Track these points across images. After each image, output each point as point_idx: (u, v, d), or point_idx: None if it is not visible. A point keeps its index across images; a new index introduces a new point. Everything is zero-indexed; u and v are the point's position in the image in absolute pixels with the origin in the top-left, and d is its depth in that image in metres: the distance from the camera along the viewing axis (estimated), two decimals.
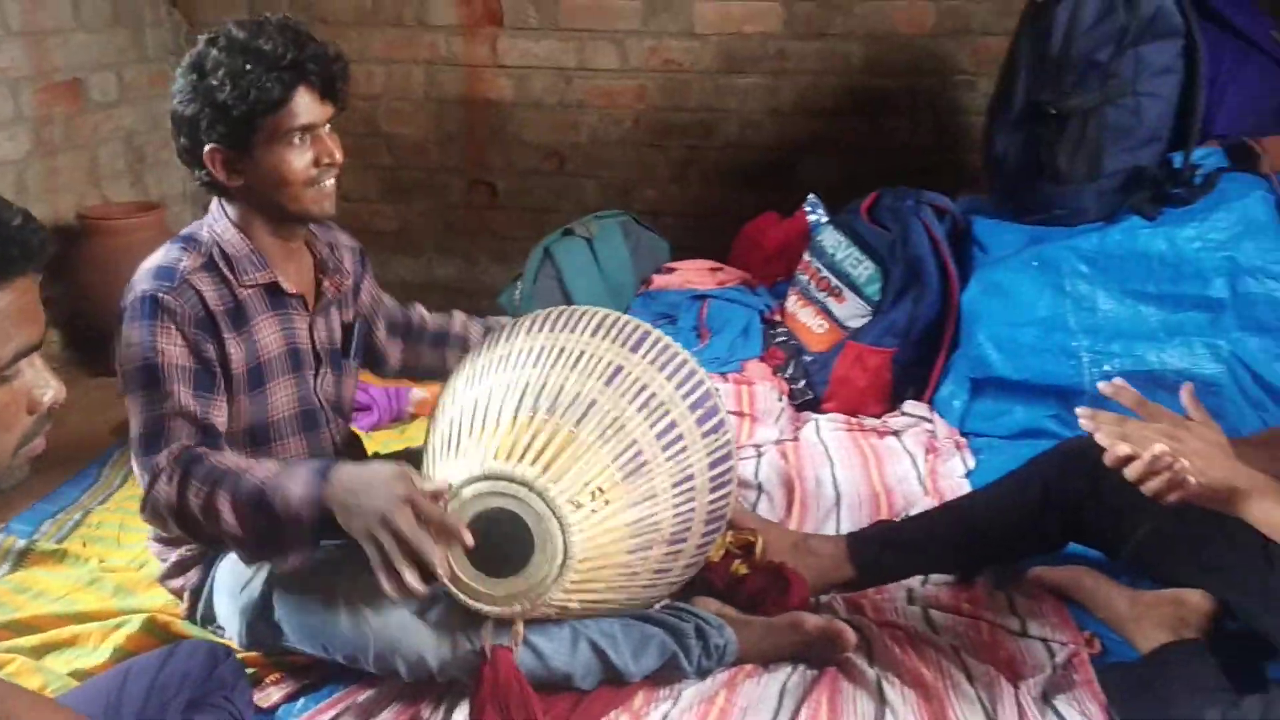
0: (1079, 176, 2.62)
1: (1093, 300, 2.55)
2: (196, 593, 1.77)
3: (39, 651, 1.73)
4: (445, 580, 1.49)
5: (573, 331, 1.73)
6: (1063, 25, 2.59)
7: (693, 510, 1.66)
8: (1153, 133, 2.62)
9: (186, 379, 1.60)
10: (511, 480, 1.50)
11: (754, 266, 3.11)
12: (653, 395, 1.67)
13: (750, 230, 3.19)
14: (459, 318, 2.05)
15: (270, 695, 1.67)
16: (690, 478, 1.66)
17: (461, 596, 1.52)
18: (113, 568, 2.00)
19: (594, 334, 1.73)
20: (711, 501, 1.70)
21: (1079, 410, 1.50)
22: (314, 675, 1.71)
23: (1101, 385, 1.52)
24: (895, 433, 2.57)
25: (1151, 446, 1.39)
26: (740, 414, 2.60)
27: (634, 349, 1.73)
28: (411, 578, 1.42)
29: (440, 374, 1.92)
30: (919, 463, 2.42)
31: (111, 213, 3.23)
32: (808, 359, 2.76)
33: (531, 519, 1.49)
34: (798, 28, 3.38)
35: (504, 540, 1.50)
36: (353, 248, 1.91)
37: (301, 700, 1.67)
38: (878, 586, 1.93)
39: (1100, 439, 1.46)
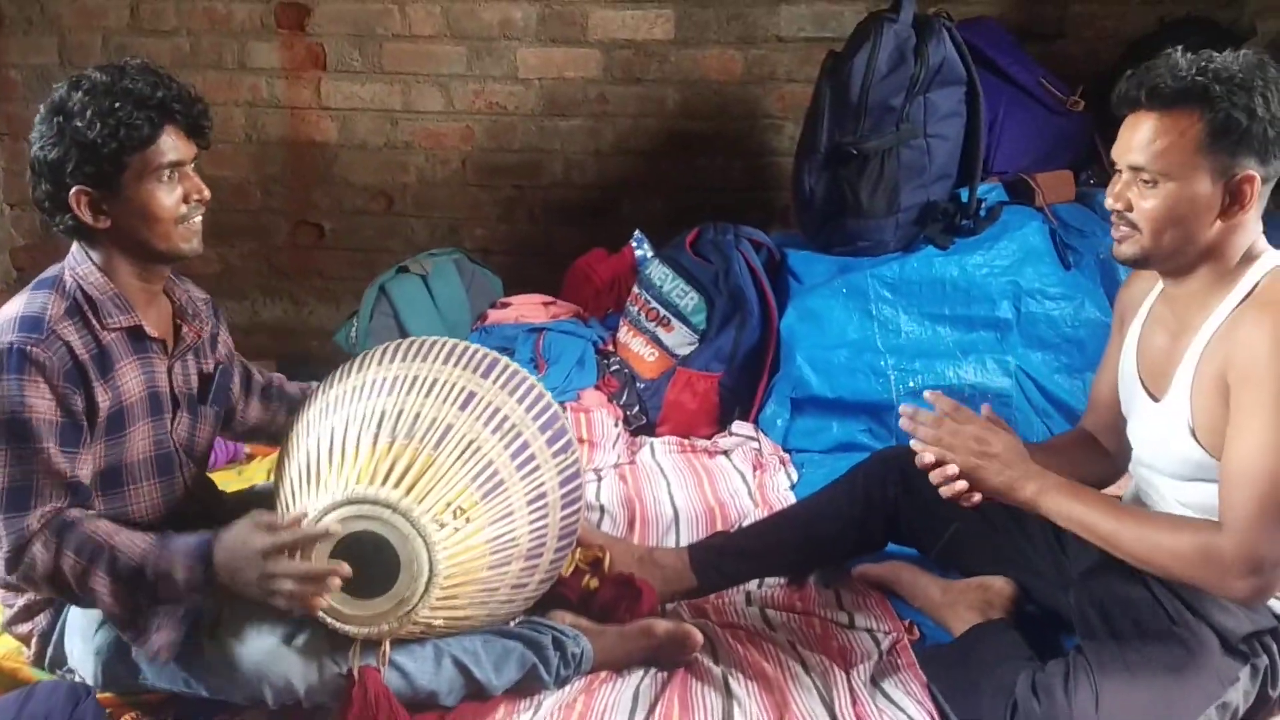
0: (879, 211, 2.87)
1: (896, 323, 2.80)
2: (45, 637, 1.74)
3: None
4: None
5: (424, 360, 1.81)
6: (860, 74, 2.84)
7: (546, 526, 1.75)
8: (942, 170, 2.89)
9: (54, 435, 1.58)
10: (376, 503, 1.56)
11: (586, 300, 3.24)
12: (505, 418, 1.76)
13: (581, 265, 3.32)
14: (316, 388, 2.07)
15: None
16: (544, 495, 1.75)
17: (329, 620, 1.56)
18: None
19: (445, 362, 1.81)
20: (564, 517, 1.80)
21: (902, 407, 1.71)
22: (171, 711, 1.71)
23: (927, 394, 1.73)
24: (725, 452, 2.73)
25: (948, 467, 1.65)
26: (580, 440, 2.70)
27: (484, 375, 1.81)
28: (325, 599, 1.53)
29: None
30: (748, 478, 2.57)
31: None
32: (641, 386, 2.89)
33: (397, 540, 1.55)
34: (615, 73, 3.55)
35: (369, 563, 1.55)
36: (206, 299, 1.92)
37: None
38: (718, 592, 2.06)
39: (915, 445, 1.66)
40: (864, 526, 2.03)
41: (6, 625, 1.77)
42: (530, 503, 1.73)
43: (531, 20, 3.51)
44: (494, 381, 1.81)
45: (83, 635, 1.69)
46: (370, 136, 3.64)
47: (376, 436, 1.65)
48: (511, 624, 1.81)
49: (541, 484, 1.75)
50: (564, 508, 1.80)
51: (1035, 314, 2.77)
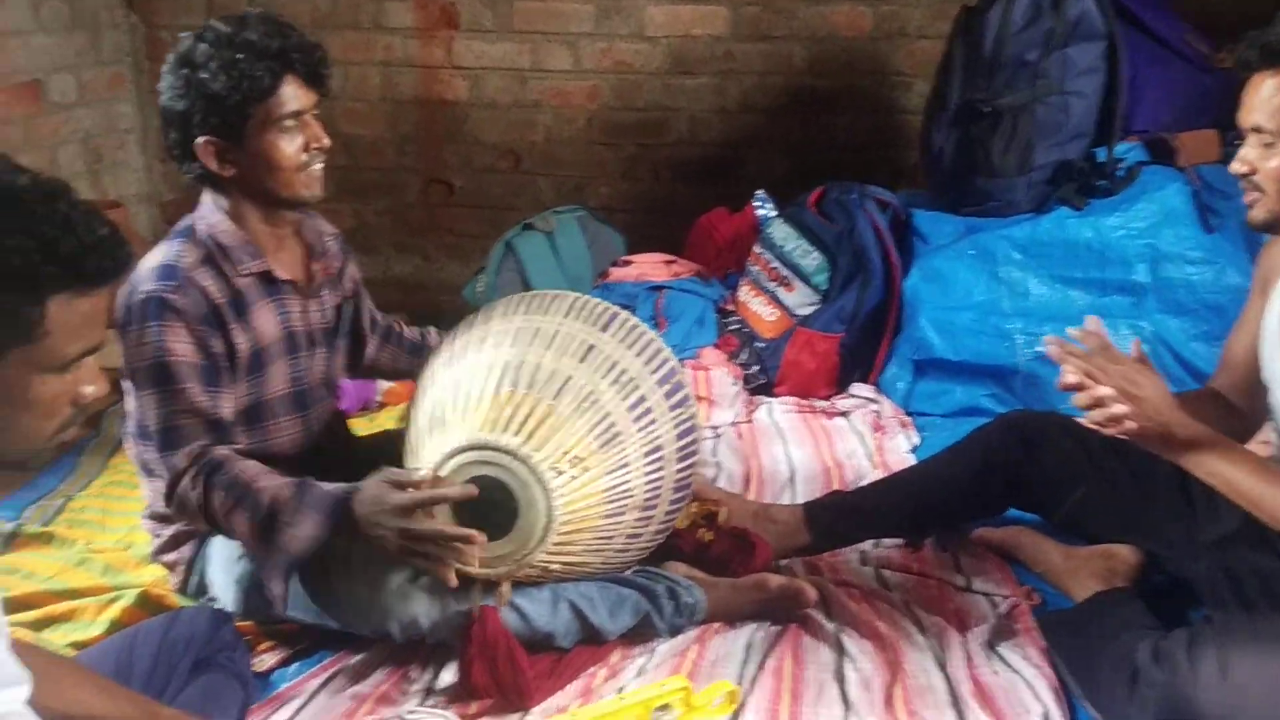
0: (1011, 170, 2.79)
1: (1025, 286, 2.72)
2: (189, 566, 1.85)
3: (37, 626, 1.80)
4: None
5: (546, 314, 1.84)
6: (994, 28, 2.76)
7: (662, 478, 1.78)
8: (1078, 129, 2.79)
9: (196, 375, 1.67)
10: (498, 450, 1.61)
11: (707, 258, 3.24)
12: (623, 371, 1.79)
13: (703, 223, 3.32)
14: (434, 332, 2.15)
15: (264, 661, 1.76)
16: (659, 448, 1.78)
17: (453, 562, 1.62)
18: (100, 549, 2.06)
19: (566, 315, 1.84)
20: (679, 470, 1.82)
21: (1047, 338, 1.62)
22: (305, 641, 1.80)
23: (1073, 330, 1.63)
24: (844, 413, 2.71)
25: (1097, 389, 1.54)
26: (698, 398, 2.72)
27: (604, 329, 1.84)
28: (456, 562, 1.58)
29: (412, 376, 1.98)
30: (867, 440, 2.56)
31: None
32: (760, 345, 2.89)
33: (517, 485, 1.60)
34: (743, 30, 3.52)
35: (490, 508, 1.61)
36: (334, 235, 1.99)
37: (294, 665, 1.76)
38: (833, 550, 2.06)
39: (1064, 366, 1.58)
40: (984, 490, 2.00)
41: (154, 554, 1.88)
42: (646, 454, 1.76)
43: None
44: (613, 335, 1.84)
45: (224, 566, 1.79)
46: (499, 95, 3.69)
47: (499, 386, 1.70)
48: (627, 573, 1.85)
49: (658, 436, 1.78)
50: (679, 461, 1.82)
51: (1173, 278, 2.67)
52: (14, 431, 1.02)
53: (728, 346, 2.90)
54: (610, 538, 1.74)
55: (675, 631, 1.80)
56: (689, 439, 1.84)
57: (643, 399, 1.78)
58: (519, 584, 1.71)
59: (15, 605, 1.86)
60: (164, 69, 1.73)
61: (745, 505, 2.10)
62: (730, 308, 3.03)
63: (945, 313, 2.72)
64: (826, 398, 2.81)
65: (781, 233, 2.94)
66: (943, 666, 1.70)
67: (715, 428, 2.65)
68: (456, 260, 3.87)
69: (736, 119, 3.60)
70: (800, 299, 2.88)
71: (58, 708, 1.27)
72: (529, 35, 3.62)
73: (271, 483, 1.64)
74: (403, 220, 3.90)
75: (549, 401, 1.68)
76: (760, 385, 2.86)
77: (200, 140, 1.69)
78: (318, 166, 1.76)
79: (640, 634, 1.79)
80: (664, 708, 1.54)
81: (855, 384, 2.81)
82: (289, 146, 1.70)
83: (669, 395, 1.83)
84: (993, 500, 2.03)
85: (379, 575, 1.67)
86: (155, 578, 1.92)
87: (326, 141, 1.75)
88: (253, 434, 1.79)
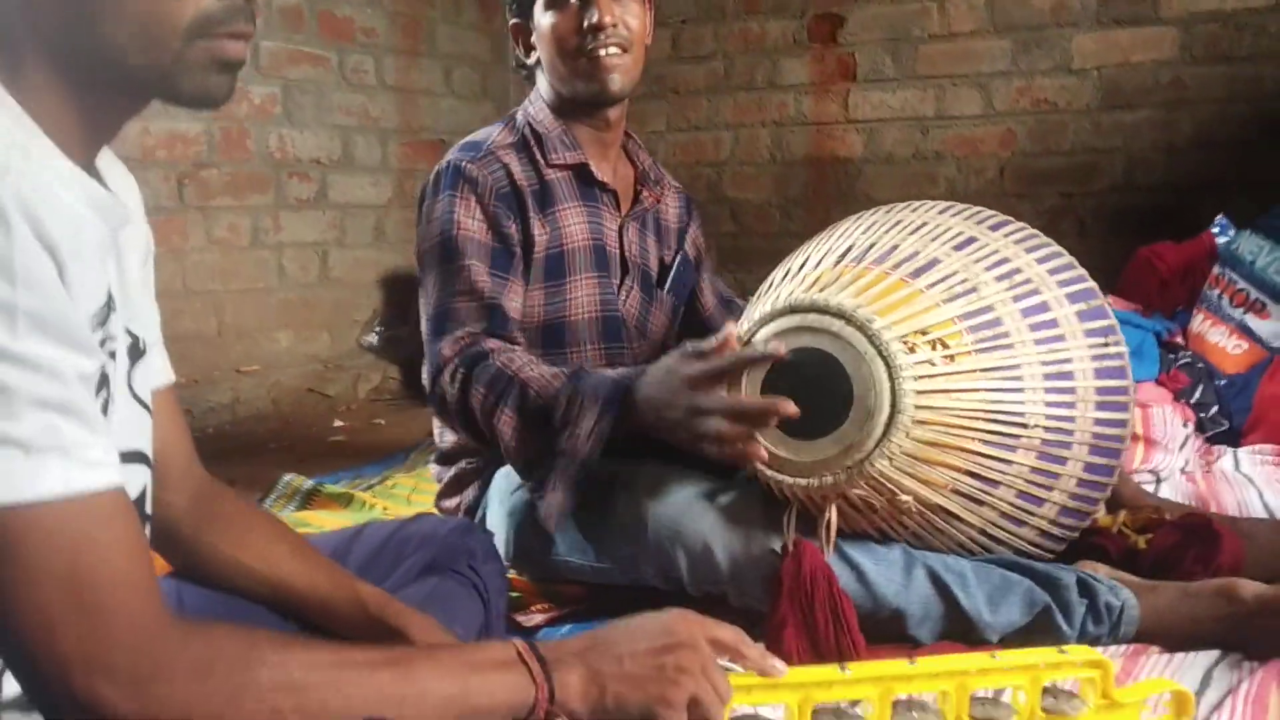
0: None
1: None
2: (471, 511, 1.55)
3: None
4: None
5: (914, 210, 1.42)
6: None
7: (1071, 418, 1.25)
8: None
9: (483, 255, 1.44)
10: (825, 312, 1.17)
11: (1149, 293, 2.62)
12: (1017, 270, 1.31)
13: (1144, 254, 2.71)
14: None
15: (533, 618, 1.40)
16: (1069, 374, 1.26)
17: (759, 467, 1.18)
18: (396, 515, 1.82)
19: (941, 212, 1.41)
20: (1098, 423, 1.28)
21: None
22: (582, 607, 1.42)
23: None
24: None
25: None
26: (1134, 437, 2.09)
27: (993, 229, 1.39)
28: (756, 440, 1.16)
29: None
30: None
31: None
32: (1220, 383, 2.22)
33: (850, 360, 1.15)
34: (1196, 52, 2.96)
35: (814, 392, 1.16)
36: (680, 192, 1.73)
37: (567, 626, 1.38)
38: None
39: None
40: None
41: (438, 499, 1.61)
42: (1049, 376, 1.25)
43: (1090, 2, 3.05)
44: (1006, 235, 1.39)
45: (500, 497, 1.47)
46: (897, 148, 3.35)
47: (840, 260, 1.28)
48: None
49: (1067, 358, 1.27)
50: (1100, 408, 1.29)
51: None
52: (141, 12, 0.73)
53: (1175, 384, 2.25)
54: (992, 483, 1.22)
55: (1090, 643, 1.21)
56: (1115, 383, 1.31)
57: (1045, 306, 1.29)
58: (857, 535, 1.23)
59: None
60: None
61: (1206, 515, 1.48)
62: (1178, 341, 2.39)
63: None
64: None
65: (1253, 245, 2.30)
66: None
67: (1156, 471, 2.01)
68: None
69: (1188, 157, 3.00)
70: (1277, 327, 2.20)
71: (244, 559, 1.01)
72: (934, 79, 3.28)
73: (543, 372, 1.32)
74: None
75: (905, 277, 1.24)
76: (1221, 433, 2.17)
77: (511, 23, 1.57)
78: (604, 53, 1.46)
79: (1033, 639, 1.21)
80: (1058, 692, 0.98)
81: None
82: (563, 25, 1.47)
83: (1085, 317, 1.33)
84: None
85: (667, 489, 1.27)
86: None
87: (607, 20, 1.44)
88: (550, 360, 1.47)
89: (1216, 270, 2.38)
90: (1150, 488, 1.92)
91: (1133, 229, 3.05)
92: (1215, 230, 2.61)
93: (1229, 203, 2.92)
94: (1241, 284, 2.29)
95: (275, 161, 3.05)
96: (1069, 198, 3.14)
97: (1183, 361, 2.30)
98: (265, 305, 3.04)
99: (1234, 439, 2.16)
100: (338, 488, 1.97)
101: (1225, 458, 2.09)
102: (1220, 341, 2.28)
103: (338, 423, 2.93)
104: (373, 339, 3.30)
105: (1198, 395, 2.22)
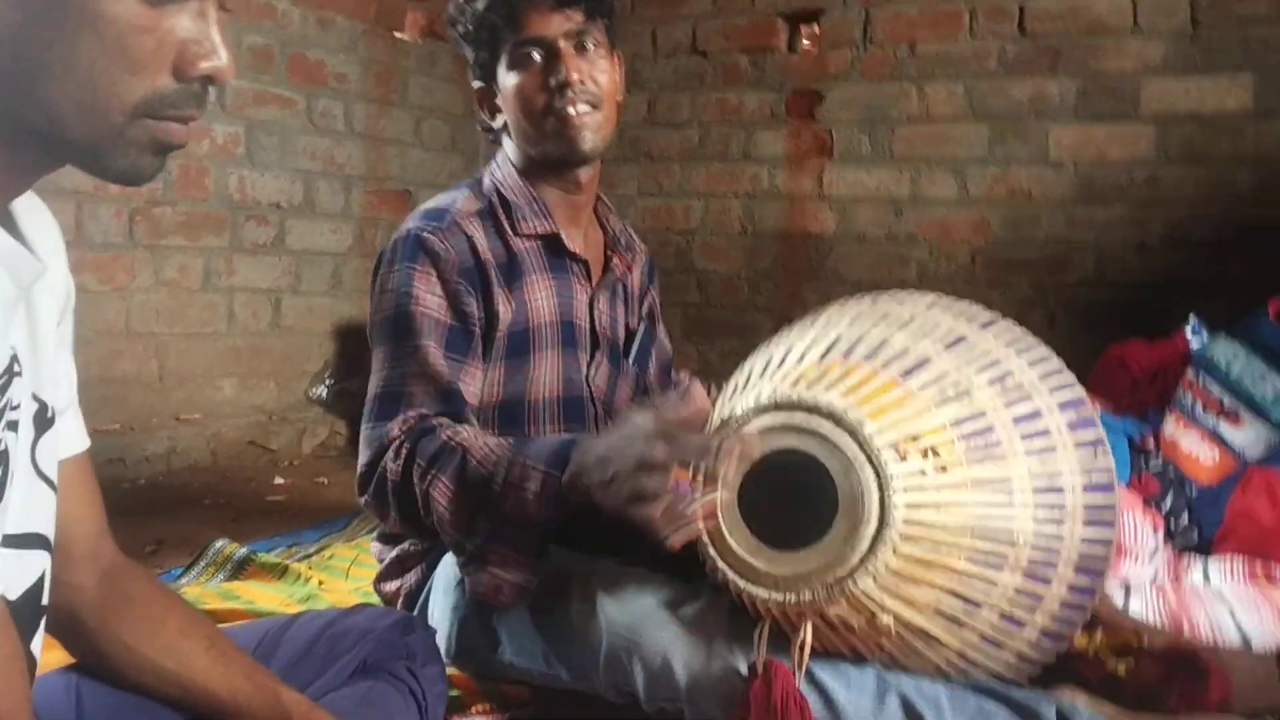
0: None
1: None
2: (413, 597, 1.44)
3: None
4: (710, 544, 1.08)
5: (900, 304, 1.36)
6: None
7: (1060, 535, 1.18)
8: None
9: (439, 335, 1.34)
10: (813, 411, 1.09)
11: (1117, 394, 2.57)
12: (1009, 373, 1.24)
13: (1114, 353, 2.67)
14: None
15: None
16: (1059, 488, 1.19)
17: (730, 574, 1.09)
18: (332, 590, 1.71)
19: (930, 306, 1.35)
20: (1084, 541, 1.21)
21: None
22: (527, 711, 1.31)
23: None
24: None
25: None
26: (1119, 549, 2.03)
27: (983, 326, 1.33)
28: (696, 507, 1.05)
29: None
30: None
31: None
32: (1193, 495, 2.17)
33: (837, 465, 1.07)
34: (1171, 151, 2.96)
35: (793, 499, 1.08)
36: (644, 249, 1.66)
37: None
38: None
39: None
40: None
41: (377, 581, 1.50)
42: (1039, 490, 1.17)
43: (1070, 95, 3.05)
44: (995, 336, 1.32)
45: (444, 587, 1.37)
46: (870, 228, 3.32)
47: (825, 354, 1.21)
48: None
49: (1057, 472, 1.19)
50: (1088, 524, 1.21)
51: None
52: (91, 81, 0.66)
53: (1145, 489, 2.19)
54: (975, 604, 1.14)
55: None
56: (1102, 499, 1.24)
57: (1037, 414, 1.22)
58: (828, 653, 1.14)
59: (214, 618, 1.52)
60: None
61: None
62: (1150, 445, 2.34)
63: None
64: None
65: (1226, 351, 2.26)
66: None
67: (1125, 581, 1.94)
68: None
69: (1160, 255, 2.99)
70: (1251, 437, 2.16)
71: (154, 655, 0.92)
72: (910, 162, 3.26)
73: (487, 442, 1.23)
74: None
75: (894, 376, 1.16)
76: (1189, 546, 2.12)
77: (475, 88, 1.49)
78: (573, 110, 1.39)
79: None
80: None
81: None
82: (528, 84, 1.40)
83: (1075, 428, 1.25)
84: None
85: (626, 595, 1.18)
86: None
87: (576, 78, 1.38)
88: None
89: (1190, 374, 2.34)
90: (1119, 600, 1.86)
91: (1102, 324, 3.03)
92: (1189, 330, 2.58)
93: (1201, 303, 2.90)
94: (1216, 390, 2.25)
95: (233, 203, 2.95)
96: (1040, 289, 3.12)
97: (1155, 470, 2.25)
98: (211, 351, 2.92)
99: (1204, 548, 2.11)
100: (272, 557, 1.84)
101: (1196, 569, 2.03)
102: (1193, 450, 2.23)
103: (279, 479, 2.80)
104: (322, 391, 3.18)
105: (1169, 504, 2.16)
